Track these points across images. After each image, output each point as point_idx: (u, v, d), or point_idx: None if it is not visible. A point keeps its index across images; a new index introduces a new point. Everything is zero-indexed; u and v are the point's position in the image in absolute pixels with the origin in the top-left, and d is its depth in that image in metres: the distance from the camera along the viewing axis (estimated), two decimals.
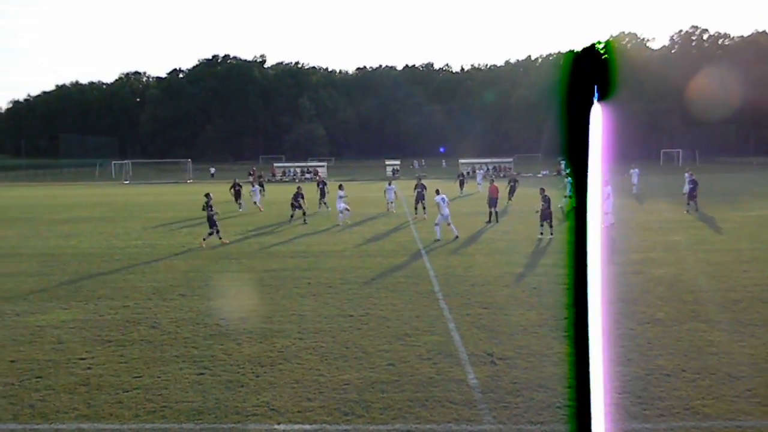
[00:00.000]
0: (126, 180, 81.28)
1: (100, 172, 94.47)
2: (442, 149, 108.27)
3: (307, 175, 79.54)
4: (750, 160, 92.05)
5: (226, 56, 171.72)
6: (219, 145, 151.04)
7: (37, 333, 12.43)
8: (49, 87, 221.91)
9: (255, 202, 36.97)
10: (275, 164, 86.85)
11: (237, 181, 38.46)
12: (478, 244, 22.91)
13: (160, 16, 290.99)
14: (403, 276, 17.43)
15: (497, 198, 29.81)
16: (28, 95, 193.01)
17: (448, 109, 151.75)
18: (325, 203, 36.19)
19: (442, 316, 13.25)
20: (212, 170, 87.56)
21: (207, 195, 24.18)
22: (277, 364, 10.39)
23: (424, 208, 31.23)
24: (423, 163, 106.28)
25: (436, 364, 10.25)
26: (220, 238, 23.82)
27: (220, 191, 37.87)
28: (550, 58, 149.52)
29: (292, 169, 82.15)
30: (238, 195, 37.00)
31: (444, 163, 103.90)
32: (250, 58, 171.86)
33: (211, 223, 23.55)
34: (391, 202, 34.81)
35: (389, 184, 35.74)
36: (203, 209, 23.89)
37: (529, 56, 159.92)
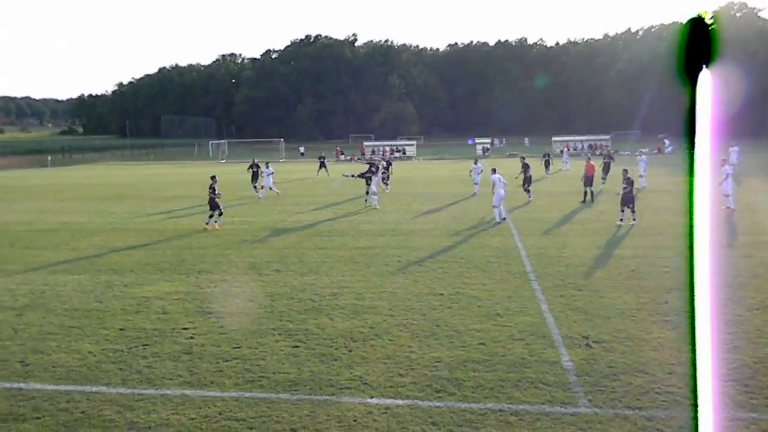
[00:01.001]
0: (222, 159, 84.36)
1: (198, 152, 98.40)
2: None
3: (396, 154, 79.74)
4: None
5: (318, 36, 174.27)
6: (310, 125, 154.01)
7: (143, 303, 13.16)
8: (152, 70, 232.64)
9: (270, 188, 33.52)
10: (364, 143, 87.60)
11: (255, 161, 36.64)
12: (572, 225, 22.28)
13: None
14: (494, 256, 17.22)
15: (593, 177, 28.84)
16: (133, 78, 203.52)
17: (541, 86, 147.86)
18: (386, 184, 35.15)
19: (534, 296, 13.01)
20: (302, 149, 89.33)
21: (213, 177, 23.61)
22: (369, 339, 10.54)
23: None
24: (503, 142, 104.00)
25: (528, 345, 10.09)
26: (215, 222, 23.09)
27: (306, 169, 38.60)
28: (653, 30, 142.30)
29: (381, 148, 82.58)
30: (255, 177, 35.13)
31: (527, 142, 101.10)
32: (341, 37, 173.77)
33: (213, 205, 22.89)
34: (477, 184, 33.44)
35: (475, 163, 34.74)
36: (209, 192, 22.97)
37: (629, 29, 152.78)
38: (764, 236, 18.89)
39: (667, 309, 11.91)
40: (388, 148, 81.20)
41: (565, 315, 11.66)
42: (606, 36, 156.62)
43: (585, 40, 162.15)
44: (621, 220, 21.80)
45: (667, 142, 74.34)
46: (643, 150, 39.34)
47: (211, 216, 23.05)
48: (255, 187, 34.63)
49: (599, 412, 7.73)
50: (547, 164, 45.58)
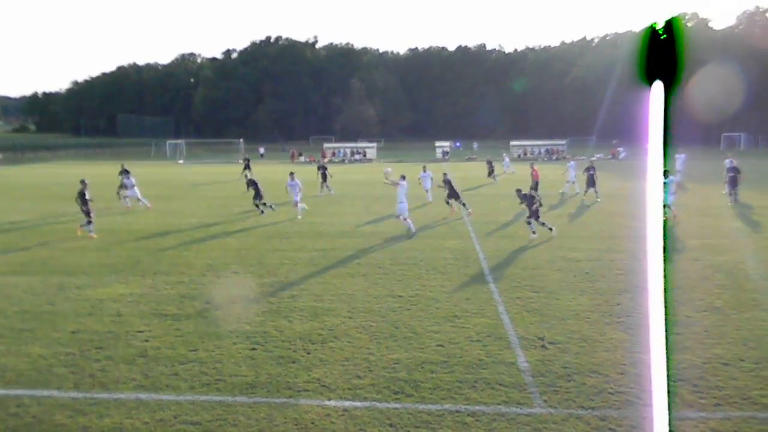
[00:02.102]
0: (180, 159, 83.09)
1: (156, 152, 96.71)
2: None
3: (357, 156, 79.76)
4: None
5: (279, 37, 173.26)
6: (270, 126, 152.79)
7: (97, 305, 12.88)
8: (109, 68, 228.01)
9: (138, 199, 29.38)
10: (325, 144, 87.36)
11: (124, 166, 33.25)
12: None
13: None
14: (453, 258, 17.38)
15: (538, 182, 29.92)
16: (89, 76, 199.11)
17: (499, 91, 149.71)
18: (327, 186, 35.37)
19: (491, 298, 13.17)
20: (261, 150, 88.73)
21: (82, 182, 22.06)
22: (327, 341, 10.53)
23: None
24: (475, 146, 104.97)
25: (485, 347, 10.22)
26: (91, 231, 21.53)
27: (265, 170, 38.41)
28: (607, 38, 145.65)
29: (341, 150, 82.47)
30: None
31: (475, 146, 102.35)
32: (302, 39, 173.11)
33: (86, 212, 21.53)
34: (427, 191, 31.74)
35: (424, 171, 32.56)
36: (76, 199, 21.68)
37: (585, 37, 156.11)
38: (711, 240, 19.50)
39: (619, 310, 12.20)
40: (369, 151, 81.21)
41: (522, 317, 11.85)
42: (563, 43, 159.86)
43: (542, 46, 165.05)
44: (534, 232, 20.31)
45: (620, 149, 76.10)
46: (573, 156, 39.86)
47: (89, 222, 21.46)
48: (118, 194, 31.10)
49: (554, 412, 7.88)
50: (491, 171, 44.69)
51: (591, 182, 30.35)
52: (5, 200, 33.77)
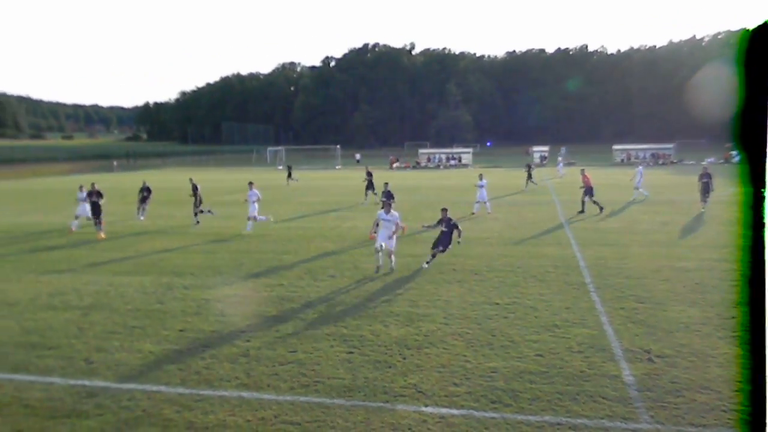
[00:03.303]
0: (279, 165, 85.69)
1: (256, 158, 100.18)
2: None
3: (452, 162, 79.42)
4: None
5: (376, 44, 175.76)
6: (366, 132, 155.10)
7: (203, 305, 13.44)
8: (214, 78, 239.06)
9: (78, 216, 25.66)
10: (420, 150, 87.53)
11: (146, 184, 30.76)
12: (634, 235, 21.67)
13: (314, 8, 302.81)
14: (552, 266, 16.89)
15: (591, 187, 28.19)
16: (195, 86, 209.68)
17: (602, 93, 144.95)
18: (372, 194, 34.98)
19: (593, 308, 12.69)
20: (357, 156, 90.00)
21: (93, 185, 24.83)
22: (423, 347, 10.47)
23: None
24: (562, 152, 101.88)
25: (587, 358, 9.83)
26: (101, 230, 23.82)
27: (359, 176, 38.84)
28: (719, 36, 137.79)
29: (437, 156, 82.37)
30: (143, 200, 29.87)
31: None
32: (399, 45, 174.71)
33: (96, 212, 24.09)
34: (478, 202, 28.71)
35: (480, 179, 29.04)
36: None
37: (694, 36, 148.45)
38: None
39: (734, 324, 11.43)
40: (464, 157, 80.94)
41: (626, 328, 11.33)
42: (670, 42, 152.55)
43: (647, 47, 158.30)
44: (427, 262, 17.17)
45: (734, 152, 71.70)
46: (641, 161, 37.59)
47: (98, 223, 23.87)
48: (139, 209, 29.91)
49: (661, 428, 7.47)
50: (529, 175, 42.46)
51: (705, 190, 27.81)
52: (119, 205, 35.95)
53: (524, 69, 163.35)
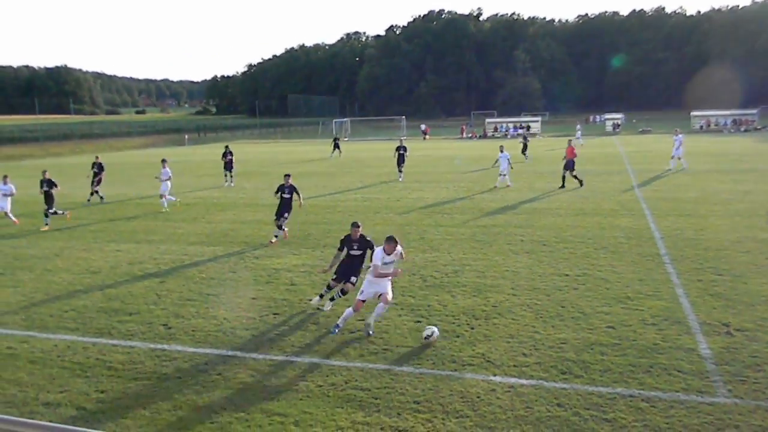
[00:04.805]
0: (345, 137, 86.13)
1: (322, 130, 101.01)
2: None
3: (519, 131, 77.91)
4: None
5: (441, 11, 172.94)
6: (432, 102, 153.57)
7: (273, 275, 13.76)
8: (279, 51, 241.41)
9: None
10: (487, 120, 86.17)
11: (229, 148, 33.24)
12: (713, 205, 20.80)
13: None
14: (624, 237, 16.43)
15: (573, 160, 26.47)
16: (261, 59, 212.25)
17: (679, 57, 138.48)
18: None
19: (668, 280, 12.30)
20: (423, 127, 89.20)
21: (44, 173, 21.76)
22: (491, 318, 10.43)
23: None
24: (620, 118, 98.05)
25: (661, 330, 9.57)
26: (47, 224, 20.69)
27: (427, 146, 38.62)
28: None
29: (504, 125, 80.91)
30: (228, 166, 32.15)
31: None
32: (465, 11, 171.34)
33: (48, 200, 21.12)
34: (503, 175, 27.36)
35: (501, 151, 27.59)
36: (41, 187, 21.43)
37: None
38: None
39: None
40: (533, 126, 79.47)
41: (703, 300, 10.95)
42: (754, 2, 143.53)
43: (729, 7, 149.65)
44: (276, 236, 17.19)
45: None
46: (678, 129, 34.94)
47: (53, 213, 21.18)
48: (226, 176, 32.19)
49: (740, 402, 7.22)
50: (525, 147, 40.73)
51: None
52: (191, 177, 37.05)
53: (597, 33, 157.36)
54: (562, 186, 26.42)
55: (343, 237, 11.17)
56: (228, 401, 7.68)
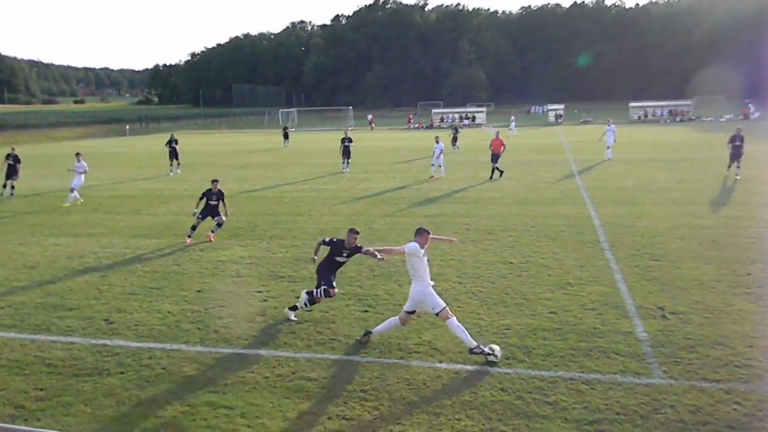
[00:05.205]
0: (292, 128, 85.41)
1: (269, 121, 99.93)
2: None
3: (466, 121, 78.74)
4: None
5: (386, 1, 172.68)
6: (379, 92, 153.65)
7: (219, 267, 13.59)
8: (223, 39, 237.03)
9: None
10: (433, 110, 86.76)
11: (174, 136, 33.60)
12: (650, 193, 21.53)
13: None
14: (566, 225, 16.86)
15: (499, 154, 26.89)
16: (205, 47, 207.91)
17: (618, 49, 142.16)
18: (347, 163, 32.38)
19: (607, 266, 12.70)
20: (369, 117, 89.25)
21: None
22: None
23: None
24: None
25: (601, 315, 9.89)
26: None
27: (374, 137, 38.81)
28: None
29: (450, 116, 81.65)
30: (173, 154, 32.38)
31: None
32: (411, 2, 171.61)
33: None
34: (434, 166, 27.71)
35: (437, 142, 27.80)
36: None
37: None
38: None
39: (749, 281, 11.41)
40: (478, 116, 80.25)
41: (640, 285, 11.35)
42: None
43: (667, 1, 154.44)
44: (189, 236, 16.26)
45: (752, 107, 70.42)
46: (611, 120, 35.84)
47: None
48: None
49: (674, 383, 7.53)
50: (454, 139, 41.57)
51: (737, 155, 24.73)
52: (133, 169, 36.19)
53: (539, 25, 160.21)
54: (491, 178, 26.70)
55: (333, 239, 10.18)
56: (173, 395, 7.58)
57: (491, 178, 26.66)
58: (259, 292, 11.63)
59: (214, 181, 16.39)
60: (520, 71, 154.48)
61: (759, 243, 14.15)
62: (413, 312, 8.69)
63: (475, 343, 8.23)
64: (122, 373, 8.27)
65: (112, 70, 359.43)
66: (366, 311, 10.39)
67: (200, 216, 16.07)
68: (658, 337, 8.93)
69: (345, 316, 10.16)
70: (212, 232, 16.43)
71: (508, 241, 15.22)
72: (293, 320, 10.00)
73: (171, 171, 31.97)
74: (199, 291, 11.84)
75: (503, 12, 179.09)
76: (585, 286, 11.40)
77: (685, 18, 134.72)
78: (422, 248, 8.76)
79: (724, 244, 14.20)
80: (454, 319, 8.38)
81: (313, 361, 8.45)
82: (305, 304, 9.94)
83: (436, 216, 18.66)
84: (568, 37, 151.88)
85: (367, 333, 8.98)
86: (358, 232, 10.19)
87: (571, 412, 6.90)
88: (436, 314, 8.42)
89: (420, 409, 7.09)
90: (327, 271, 10.10)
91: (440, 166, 27.53)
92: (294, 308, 10.09)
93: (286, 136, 50.88)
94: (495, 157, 26.88)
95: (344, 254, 10.11)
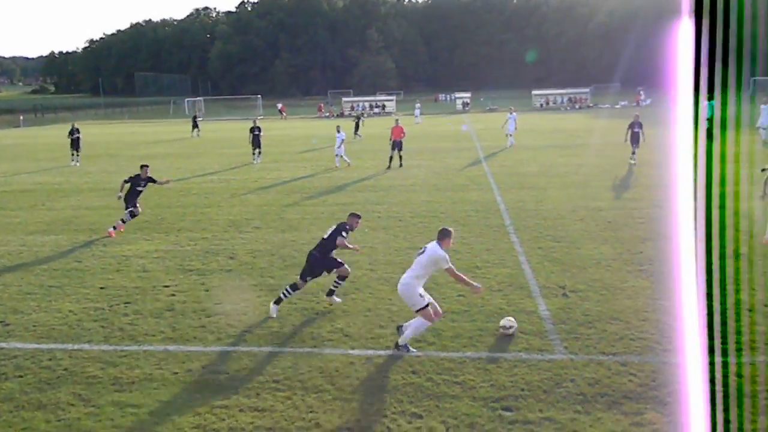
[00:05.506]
0: (199, 117, 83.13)
1: (174, 110, 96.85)
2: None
3: (376, 110, 79.12)
4: None
5: None
6: (288, 81, 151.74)
7: (123, 262, 13.12)
8: (124, 25, 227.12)
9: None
10: (343, 99, 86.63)
11: (75, 125, 33.13)
12: (552, 178, 22.46)
13: None
14: (474, 210, 17.35)
15: (400, 140, 26.41)
16: (104, 34, 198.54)
17: (521, 38, 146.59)
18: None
19: (512, 249, 13.19)
20: (279, 106, 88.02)
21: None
22: (349, 293, 10.66)
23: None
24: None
25: (506, 296, 10.28)
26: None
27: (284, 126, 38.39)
28: None
29: (360, 104, 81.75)
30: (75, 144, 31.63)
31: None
32: None
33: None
34: (338, 155, 27.56)
35: (338, 132, 27.83)
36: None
37: None
38: (735, 186, 19.14)
39: (641, 259, 12.16)
40: (388, 104, 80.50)
41: (543, 266, 11.86)
42: None
43: None
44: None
45: (642, 95, 74.46)
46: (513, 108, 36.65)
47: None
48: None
49: (575, 358, 7.95)
50: (357, 127, 41.78)
51: (635, 141, 25.10)
52: (28, 162, 34.23)
53: (445, 14, 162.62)
54: (396, 166, 26.37)
55: (342, 225, 10.34)
56: (76, 397, 7.29)
57: (390, 167, 26.36)
58: (167, 286, 11.33)
59: (144, 167, 15.98)
60: (428, 60, 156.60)
61: (650, 223, 15.07)
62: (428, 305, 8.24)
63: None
64: (20, 376, 7.87)
65: (4, 58, 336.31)
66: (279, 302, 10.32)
67: (129, 205, 15.63)
68: (559, 315, 9.38)
69: (257, 308, 10.08)
70: (123, 221, 15.84)
71: (419, 227, 15.51)
72: (273, 317, 9.62)
73: (72, 161, 30.94)
74: (102, 288, 11.40)
75: (409, 1, 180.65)
76: (492, 269, 11.80)
77: (582, 8, 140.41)
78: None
79: (619, 224, 15.05)
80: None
81: (224, 355, 8.35)
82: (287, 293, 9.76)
83: (348, 204, 18.71)
84: (473, 26, 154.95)
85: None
86: (359, 216, 10.76)
87: (479, 391, 7.16)
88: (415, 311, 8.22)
89: (333, 395, 7.15)
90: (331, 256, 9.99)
91: (342, 156, 27.27)
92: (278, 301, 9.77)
93: (195, 125, 49.97)
94: (397, 145, 26.50)
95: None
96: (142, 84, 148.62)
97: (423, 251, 8.63)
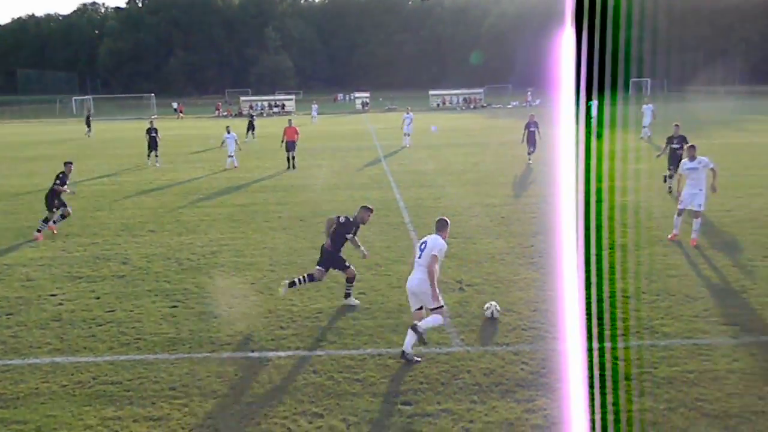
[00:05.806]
0: (91, 117, 79.03)
1: (61, 109, 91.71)
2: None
3: (275, 109, 78.22)
4: (717, 89, 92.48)
5: None
6: (183, 79, 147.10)
7: (5, 271, 12.33)
8: (4, 20, 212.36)
9: None
10: (242, 98, 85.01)
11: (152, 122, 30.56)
12: (449, 176, 23.05)
13: None
14: (374, 208, 17.48)
15: (294, 141, 26.42)
16: None
17: (417, 39, 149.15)
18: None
19: (412, 246, 13.41)
20: (175, 105, 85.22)
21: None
22: (250, 296, 10.52)
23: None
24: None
25: (405, 292, 10.43)
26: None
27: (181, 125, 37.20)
28: None
29: (259, 104, 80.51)
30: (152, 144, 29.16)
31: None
32: None
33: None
34: (231, 156, 27.07)
35: (228, 132, 27.27)
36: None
37: None
38: (617, 182, 20.43)
39: (532, 252, 12.74)
40: (288, 104, 79.42)
41: (441, 262, 12.14)
42: None
43: None
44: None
45: (530, 95, 77.60)
46: (410, 108, 37.97)
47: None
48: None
49: (471, 350, 8.23)
50: (250, 126, 40.90)
51: (532, 142, 25.58)
52: None
53: (343, 14, 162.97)
54: (291, 167, 26.06)
55: (348, 220, 10.34)
56: None
57: (289, 167, 26.03)
58: (54, 295, 10.74)
59: (68, 164, 15.41)
60: (327, 60, 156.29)
61: (539, 217, 15.80)
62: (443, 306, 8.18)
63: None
64: None
65: None
66: (175, 306, 10.05)
67: (48, 207, 15.01)
68: (456, 308, 9.67)
69: (151, 314, 9.75)
70: (54, 222, 15.28)
71: (320, 226, 15.38)
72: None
73: None
74: None
75: (306, 0, 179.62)
76: (392, 266, 11.99)
77: (475, 10, 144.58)
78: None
79: (512, 219, 15.68)
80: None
81: (117, 364, 8.02)
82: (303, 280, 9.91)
83: (248, 205, 18.45)
84: (370, 26, 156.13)
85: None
86: (371, 209, 10.66)
87: (379, 387, 7.28)
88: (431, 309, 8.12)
89: (232, 400, 7.05)
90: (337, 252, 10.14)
91: (231, 157, 26.69)
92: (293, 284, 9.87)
93: (88, 124, 48.21)
94: (290, 146, 26.23)
95: (354, 231, 10.38)
96: (25, 81, 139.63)
97: (424, 243, 8.77)
